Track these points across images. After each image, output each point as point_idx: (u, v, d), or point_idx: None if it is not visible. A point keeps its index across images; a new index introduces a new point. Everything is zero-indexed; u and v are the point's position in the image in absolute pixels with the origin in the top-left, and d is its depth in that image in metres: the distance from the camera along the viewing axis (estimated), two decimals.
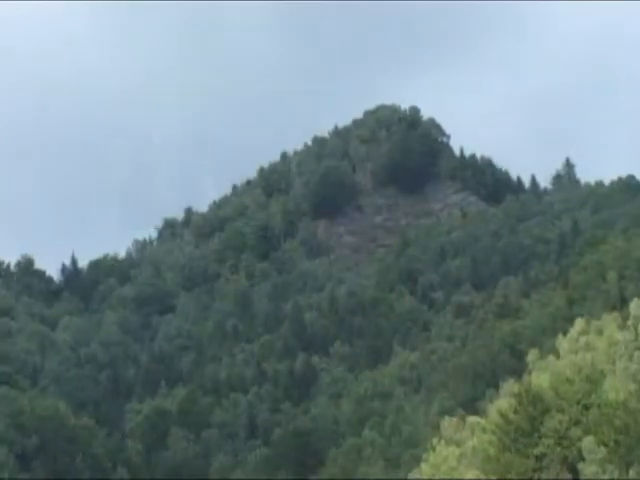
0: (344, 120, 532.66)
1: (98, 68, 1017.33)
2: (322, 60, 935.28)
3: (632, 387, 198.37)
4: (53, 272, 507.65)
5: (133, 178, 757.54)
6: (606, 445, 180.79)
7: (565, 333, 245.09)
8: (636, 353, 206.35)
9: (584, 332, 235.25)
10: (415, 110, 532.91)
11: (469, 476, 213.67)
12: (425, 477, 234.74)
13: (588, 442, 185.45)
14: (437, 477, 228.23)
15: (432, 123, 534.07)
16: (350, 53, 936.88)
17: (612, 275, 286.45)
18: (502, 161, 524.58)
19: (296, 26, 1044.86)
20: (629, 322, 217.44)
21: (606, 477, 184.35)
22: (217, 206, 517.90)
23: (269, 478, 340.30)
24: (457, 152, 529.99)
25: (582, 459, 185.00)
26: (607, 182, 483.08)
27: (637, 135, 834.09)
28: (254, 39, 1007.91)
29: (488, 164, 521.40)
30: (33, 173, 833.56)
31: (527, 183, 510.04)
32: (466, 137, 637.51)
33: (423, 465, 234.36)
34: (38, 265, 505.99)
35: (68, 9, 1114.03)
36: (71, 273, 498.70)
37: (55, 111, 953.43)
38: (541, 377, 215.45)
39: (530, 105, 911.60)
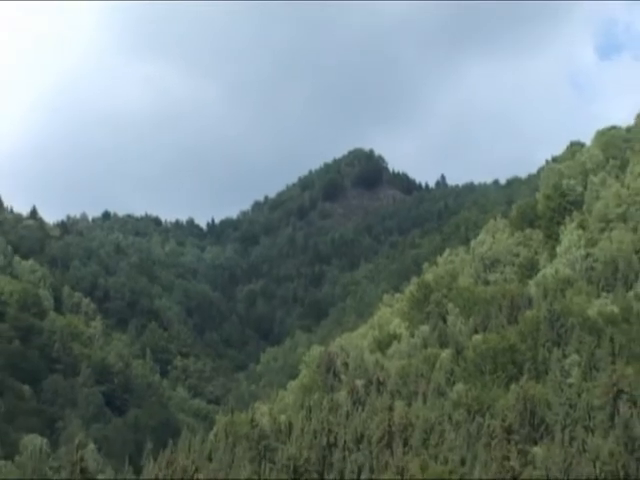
0: (339, 154, 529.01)
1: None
2: (329, 121, 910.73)
3: (472, 280, 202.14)
4: (203, 225, 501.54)
5: (242, 180, 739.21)
6: (460, 307, 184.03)
7: (441, 255, 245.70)
8: (472, 265, 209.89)
9: (449, 255, 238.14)
10: (372, 151, 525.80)
11: (395, 321, 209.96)
12: (377, 320, 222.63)
13: (451, 306, 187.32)
14: (381, 322, 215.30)
15: (380, 157, 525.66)
16: (340, 117, 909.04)
17: (462, 228, 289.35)
18: (413, 174, 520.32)
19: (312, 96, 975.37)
20: (470, 250, 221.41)
21: (459, 324, 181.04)
22: (279, 195, 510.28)
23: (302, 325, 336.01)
24: (391, 171, 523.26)
25: (447, 313, 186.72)
26: (460, 185, 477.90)
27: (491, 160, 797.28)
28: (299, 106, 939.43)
29: (405, 176, 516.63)
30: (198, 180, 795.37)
31: (424, 185, 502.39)
32: (396, 163, 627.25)
33: (375, 317, 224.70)
34: (197, 222, 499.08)
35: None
36: (211, 226, 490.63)
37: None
38: (429, 276, 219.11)
39: (438, 142, 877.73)
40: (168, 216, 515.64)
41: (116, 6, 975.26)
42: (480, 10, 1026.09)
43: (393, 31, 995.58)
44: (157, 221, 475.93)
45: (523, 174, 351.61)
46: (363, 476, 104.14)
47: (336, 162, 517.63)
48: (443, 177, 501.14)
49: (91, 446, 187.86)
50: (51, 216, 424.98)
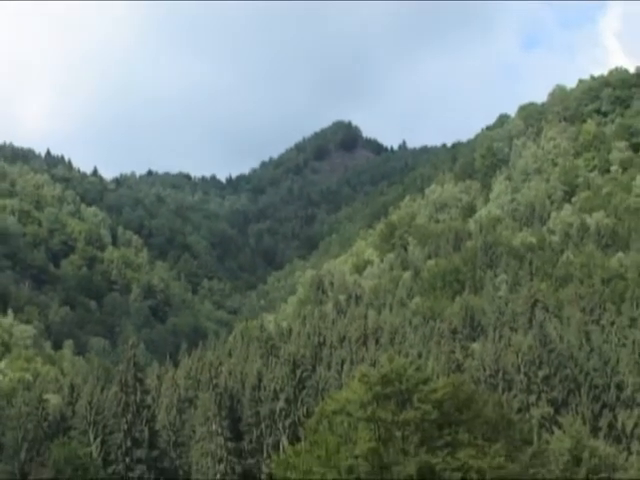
0: (325, 125, 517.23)
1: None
2: (318, 100, 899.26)
3: (426, 219, 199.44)
4: (223, 179, 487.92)
5: (253, 145, 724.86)
6: (418, 240, 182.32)
7: (403, 201, 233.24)
8: (426, 208, 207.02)
9: (409, 201, 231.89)
10: (350, 122, 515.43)
11: (369, 251, 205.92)
12: (355, 250, 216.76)
13: (411, 239, 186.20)
14: (358, 252, 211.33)
15: (356, 127, 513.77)
16: (326, 97, 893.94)
17: (418, 180, 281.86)
18: (381, 139, 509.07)
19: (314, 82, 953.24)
20: (425, 197, 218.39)
21: (417, 252, 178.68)
22: (280, 156, 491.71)
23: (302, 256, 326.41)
24: (365, 137, 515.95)
25: (408, 244, 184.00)
26: (417, 148, 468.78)
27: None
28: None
29: (376, 141, 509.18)
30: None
31: (390, 148, 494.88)
32: (369, 131, 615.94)
33: (353, 247, 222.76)
34: (218, 177, 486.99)
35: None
36: (229, 180, 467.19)
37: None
38: (394, 217, 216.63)
39: (400, 115, 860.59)
40: (197, 173, 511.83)
41: (158, 7, 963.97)
42: (432, 13, 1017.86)
43: (367, 31, 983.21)
44: (188, 177, 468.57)
45: (464, 139, 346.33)
46: (345, 367, 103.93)
47: (323, 131, 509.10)
48: (404, 142, 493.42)
49: (141, 346, 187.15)
50: (108, 173, 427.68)
